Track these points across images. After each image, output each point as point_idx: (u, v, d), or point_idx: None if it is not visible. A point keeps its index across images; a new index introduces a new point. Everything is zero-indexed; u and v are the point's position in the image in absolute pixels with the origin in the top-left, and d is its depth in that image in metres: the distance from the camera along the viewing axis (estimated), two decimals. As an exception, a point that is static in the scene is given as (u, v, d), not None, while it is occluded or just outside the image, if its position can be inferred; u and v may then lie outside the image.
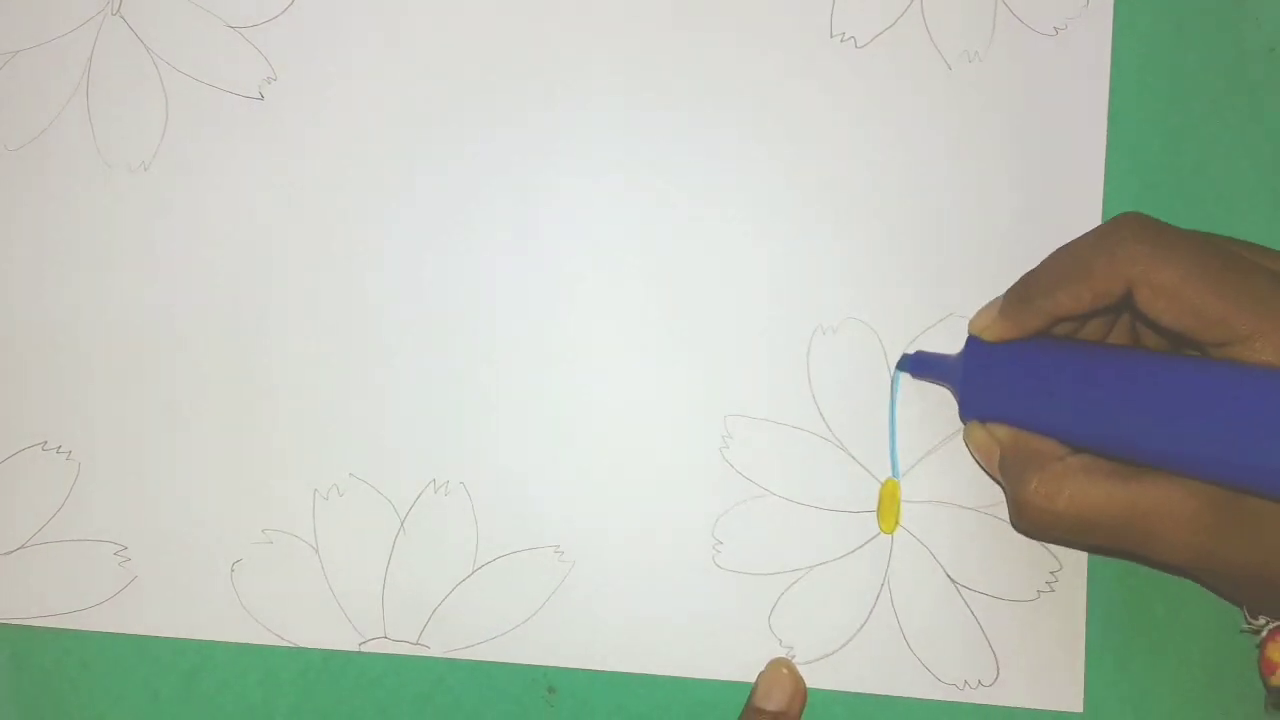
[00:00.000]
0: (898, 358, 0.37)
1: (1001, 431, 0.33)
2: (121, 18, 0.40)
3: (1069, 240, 0.32)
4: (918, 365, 0.36)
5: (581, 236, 0.38)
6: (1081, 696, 0.36)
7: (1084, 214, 0.37)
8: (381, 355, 0.38)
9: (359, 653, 0.37)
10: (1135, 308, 0.30)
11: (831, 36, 0.39)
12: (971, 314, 0.37)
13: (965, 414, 0.34)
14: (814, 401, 0.37)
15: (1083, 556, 0.36)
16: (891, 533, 0.36)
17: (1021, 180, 0.37)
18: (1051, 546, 0.36)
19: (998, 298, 0.33)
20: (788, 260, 0.38)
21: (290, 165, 0.39)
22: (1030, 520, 0.31)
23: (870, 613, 0.36)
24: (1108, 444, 0.30)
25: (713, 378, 0.37)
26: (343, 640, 0.37)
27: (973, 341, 0.34)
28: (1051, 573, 0.36)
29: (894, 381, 0.37)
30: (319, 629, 0.37)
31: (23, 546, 0.38)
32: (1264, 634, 0.32)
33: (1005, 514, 0.36)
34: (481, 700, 0.37)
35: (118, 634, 0.38)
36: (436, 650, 0.37)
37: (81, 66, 0.40)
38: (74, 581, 0.38)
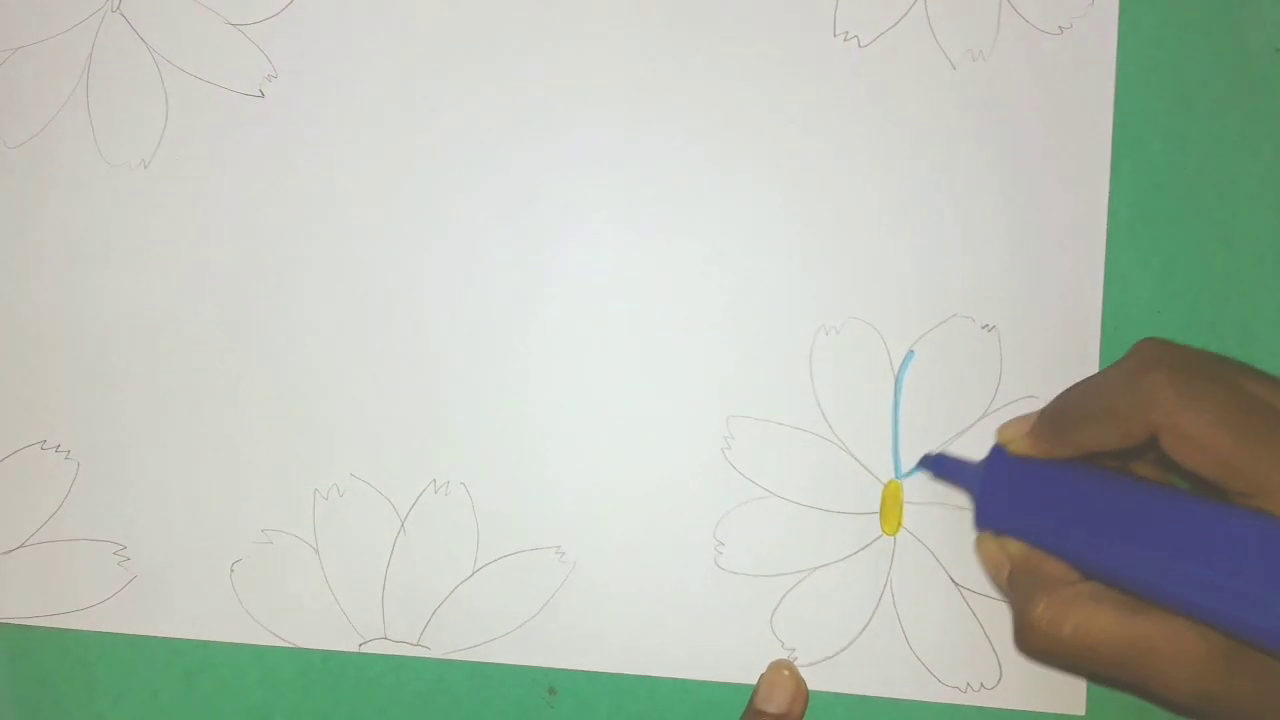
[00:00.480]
0: (910, 461, 0.36)
1: (1014, 547, 0.33)
2: (122, 15, 0.40)
3: (1098, 372, 0.32)
4: (939, 466, 0.36)
5: (583, 237, 0.38)
6: (1083, 700, 0.35)
7: (1089, 213, 0.37)
8: (382, 355, 0.38)
9: (359, 653, 0.37)
10: (1163, 453, 0.29)
11: (835, 36, 0.38)
12: (974, 314, 0.37)
13: (980, 524, 0.34)
14: (816, 402, 0.37)
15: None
16: (894, 534, 0.36)
17: (1026, 180, 0.37)
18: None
19: (1031, 413, 0.33)
20: (790, 260, 0.38)
21: (291, 163, 0.39)
22: (1033, 644, 0.31)
23: (872, 615, 0.36)
24: (1121, 576, 0.30)
25: (715, 378, 0.37)
26: (343, 641, 0.37)
27: (997, 451, 0.34)
28: (1054, 575, 0.36)
29: (898, 386, 0.37)
30: (319, 629, 0.37)
31: (22, 546, 0.38)
32: None
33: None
34: (482, 701, 0.37)
35: (117, 633, 0.38)
36: (437, 651, 0.37)
37: (82, 64, 0.40)
38: (73, 581, 0.38)
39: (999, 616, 0.36)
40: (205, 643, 0.38)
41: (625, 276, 0.38)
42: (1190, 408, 0.29)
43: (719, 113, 0.38)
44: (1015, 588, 0.32)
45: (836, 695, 0.36)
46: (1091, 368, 0.36)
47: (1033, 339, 0.36)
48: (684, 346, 0.38)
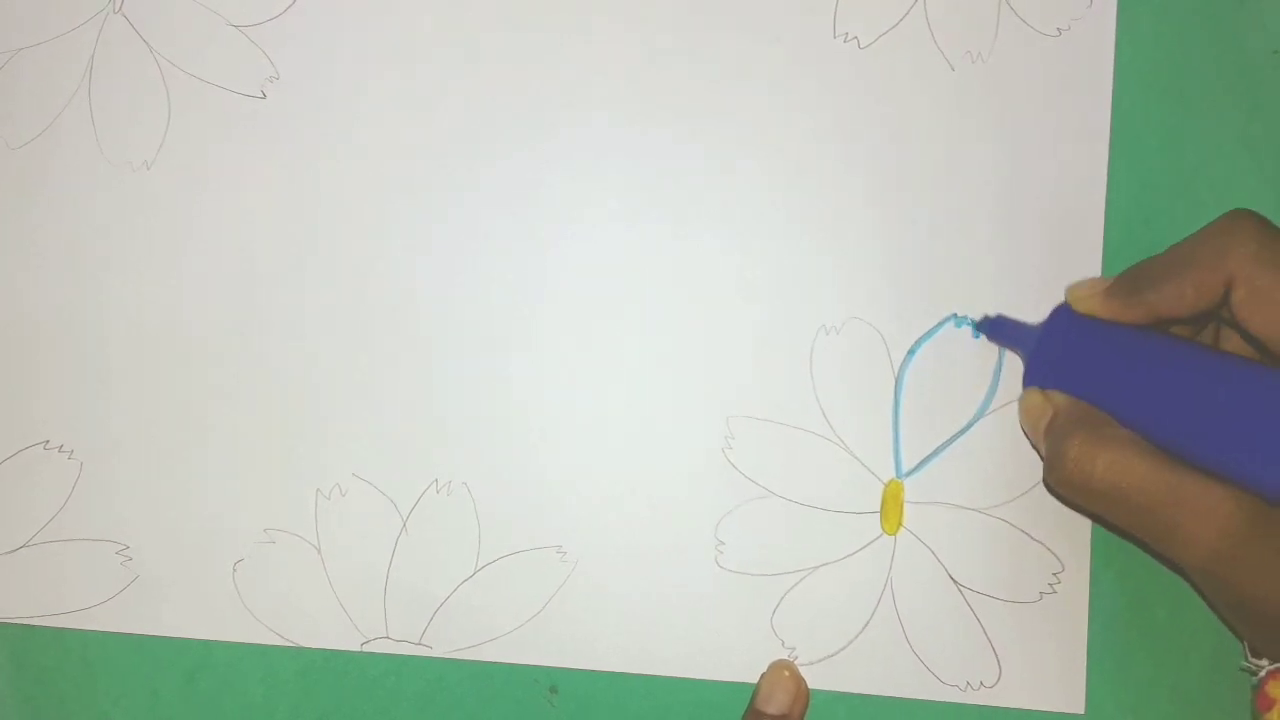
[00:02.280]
0: (979, 320, 0.37)
1: (1060, 397, 0.33)
2: (124, 16, 0.40)
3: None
4: (995, 328, 0.36)
5: (585, 238, 0.38)
6: (1083, 698, 0.36)
7: (1087, 214, 0.37)
8: (384, 355, 0.38)
9: (361, 652, 0.37)
10: (1230, 308, 0.29)
11: (835, 37, 0.39)
12: (975, 314, 0.37)
13: (1029, 380, 0.34)
14: (817, 402, 0.37)
15: (1085, 559, 0.36)
16: (894, 534, 0.36)
17: (1024, 181, 0.37)
18: (1053, 547, 0.36)
19: (1106, 277, 0.33)
20: (791, 260, 0.38)
21: (293, 164, 0.39)
22: (1065, 473, 0.31)
23: (873, 614, 0.36)
24: (1165, 436, 0.30)
25: (715, 378, 0.37)
26: (344, 640, 0.37)
27: (1061, 312, 0.34)
28: (1054, 574, 0.36)
29: (898, 386, 0.37)
30: (321, 628, 0.37)
31: (25, 546, 0.38)
32: (1263, 674, 0.31)
33: (1008, 516, 0.36)
34: (483, 700, 0.37)
35: (119, 633, 0.38)
36: (438, 650, 0.37)
37: (84, 65, 0.40)
38: (76, 581, 0.38)
39: (999, 615, 0.36)
40: (207, 642, 0.38)
41: (626, 277, 0.38)
42: (1268, 262, 0.28)
43: (719, 113, 0.38)
44: (1054, 430, 0.32)
45: (837, 694, 0.36)
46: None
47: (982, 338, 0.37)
48: (685, 346, 0.38)
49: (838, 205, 0.38)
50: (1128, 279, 0.32)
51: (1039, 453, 0.35)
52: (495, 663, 0.37)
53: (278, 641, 0.37)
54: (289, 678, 0.37)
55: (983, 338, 0.37)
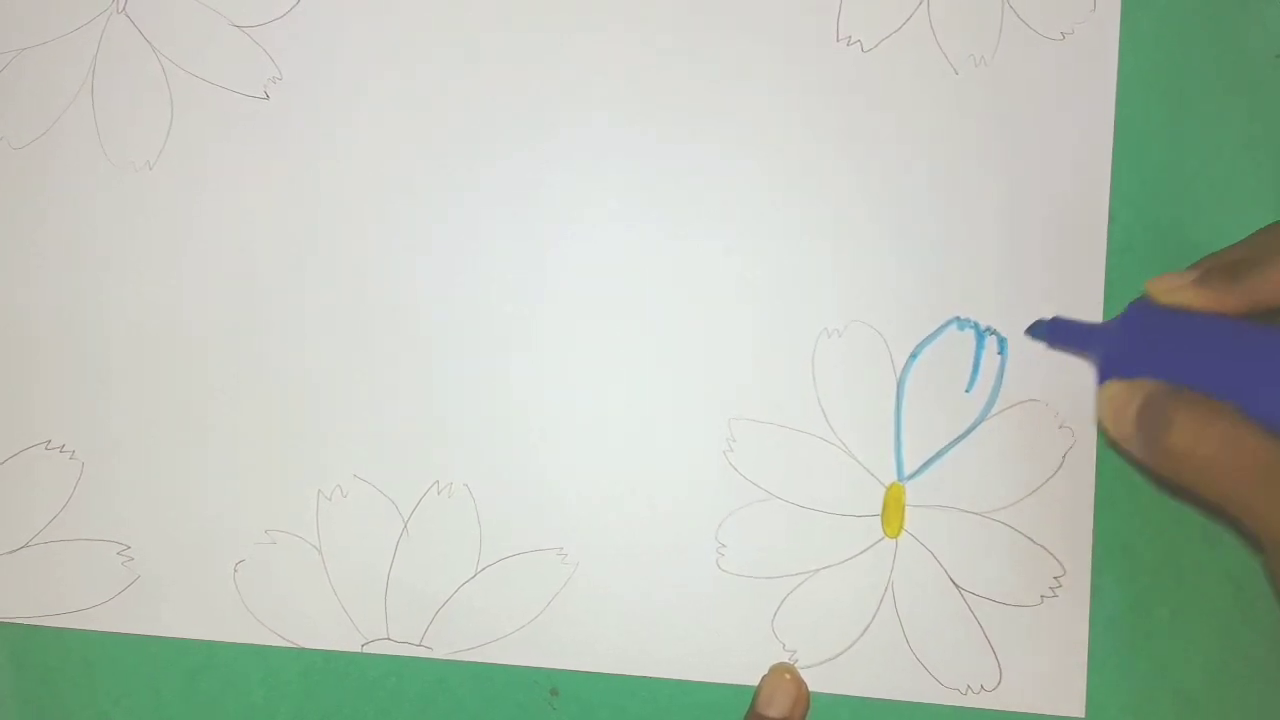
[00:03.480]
0: (1021, 324, 0.36)
1: (1148, 382, 0.31)
2: (126, 16, 0.40)
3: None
4: (1057, 331, 0.35)
5: (585, 239, 0.38)
6: (1083, 702, 0.36)
7: (1090, 217, 0.37)
8: (386, 356, 0.38)
9: (361, 653, 0.37)
10: None
11: (838, 40, 0.39)
12: (978, 316, 0.37)
13: (1106, 376, 0.33)
14: (818, 405, 0.37)
15: (1086, 563, 0.36)
16: (896, 537, 0.36)
17: (1027, 184, 0.37)
18: (1054, 550, 0.36)
19: (1185, 270, 0.32)
20: (793, 263, 0.38)
21: (295, 164, 0.39)
22: (1169, 448, 0.29)
23: (873, 617, 0.36)
24: (1266, 421, 0.29)
25: (717, 381, 0.37)
26: (345, 641, 0.37)
27: (1140, 306, 0.33)
28: (1055, 578, 0.36)
29: (900, 389, 0.37)
30: (322, 629, 0.37)
31: (26, 546, 0.38)
32: None
33: (1010, 519, 0.36)
34: (484, 702, 0.37)
35: (120, 634, 0.38)
36: (439, 651, 0.37)
37: (87, 65, 0.40)
38: (77, 581, 0.38)
39: (1000, 619, 0.36)
40: (208, 643, 0.38)
41: (627, 278, 0.38)
42: None
43: (721, 115, 0.38)
44: (1147, 414, 0.30)
45: (837, 697, 0.36)
46: (1092, 371, 0.36)
47: (1035, 342, 0.37)
48: (686, 349, 0.38)
49: (840, 208, 0.38)
50: (1224, 268, 0.31)
51: (1117, 448, 0.34)
52: (496, 664, 0.37)
53: (278, 642, 0.37)
54: (290, 679, 0.37)
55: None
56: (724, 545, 0.37)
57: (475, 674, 0.37)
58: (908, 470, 0.37)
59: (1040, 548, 0.36)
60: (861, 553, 0.36)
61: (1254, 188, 0.37)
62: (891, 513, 0.36)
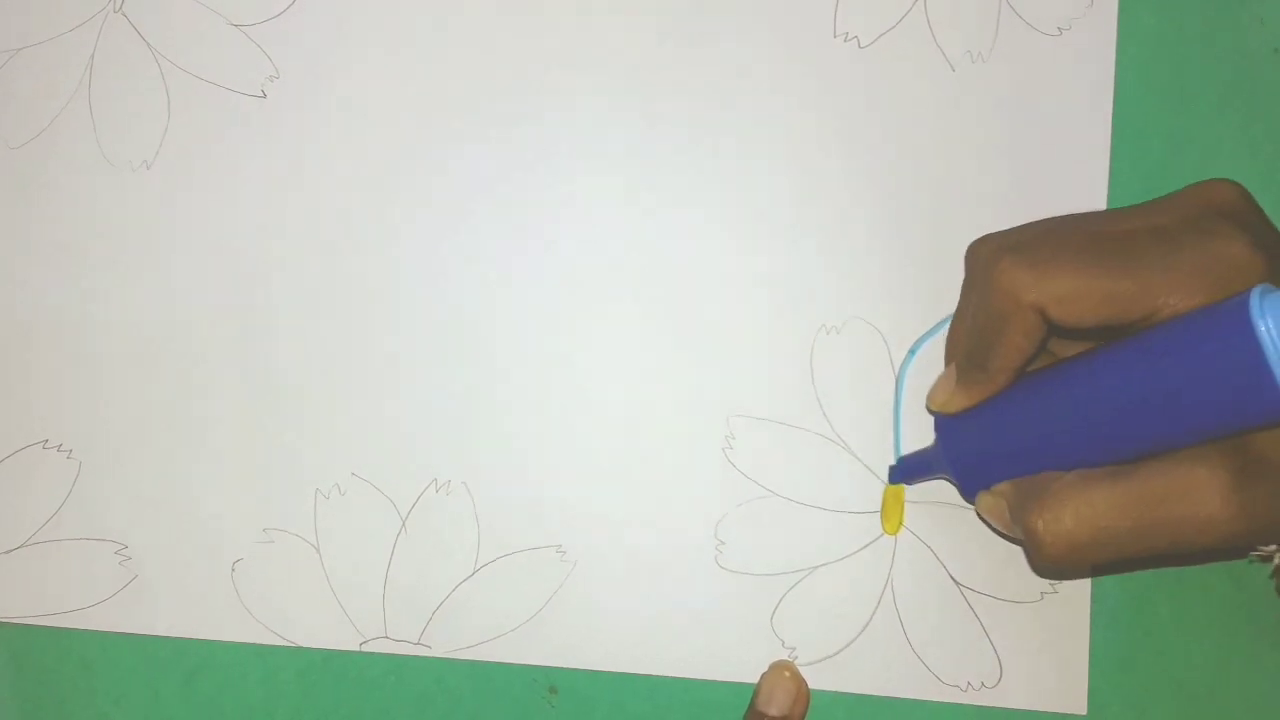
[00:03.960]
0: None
1: (1003, 486, 0.32)
2: (124, 15, 0.40)
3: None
4: (907, 472, 0.36)
5: (584, 237, 0.38)
6: (1084, 698, 0.35)
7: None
8: (384, 354, 0.38)
9: (360, 652, 0.37)
10: (1055, 325, 0.30)
11: (835, 37, 0.39)
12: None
13: (967, 492, 0.34)
14: (817, 402, 0.37)
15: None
16: (895, 534, 0.36)
17: (1025, 180, 0.37)
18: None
19: (945, 372, 0.33)
20: (791, 260, 0.38)
21: (293, 163, 0.39)
22: (1046, 553, 0.30)
23: (873, 614, 0.36)
24: (1098, 454, 0.30)
25: (716, 378, 0.37)
26: (344, 640, 0.37)
27: (941, 423, 0.34)
28: (1055, 574, 0.36)
29: (899, 385, 0.37)
30: (320, 628, 0.37)
31: (23, 545, 0.38)
32: (1277, 560, 0.31)
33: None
34: (482, 700, 0.37)
35: (118, 633, 0.38)
36: (438, 650, 0.37)
37: (84, 64, 0.40)
38: (75, 580, 0.38)
39: (1000, 615, 0.36)
40: (206, 642, 0.38)
41: (627, 276, 0.38)
42: (1049, 271, 0.29)
43: (719, 113, 0.38)
44: (1014, 516, 0.31)
45: (837, 694, 0.36)
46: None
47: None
48: (685, 346, 0.38)
49: (838, 205, 0.38)
50: (967, 362, 0.32)
51: (1018, 544, 0.35)
52: (495, 663, 0.37)
53: (277, 642, 0.37)
54: (288, 678, 0.37)
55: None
56: (723, 542, 0.37)
57: (474, 672, 0.37)
58: (907, 466, 0.37)
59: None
60: (861, 550, 0.36)
61: (1252, 184, 0.37)
62: (891, 510, 0.36)
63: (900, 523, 0.36)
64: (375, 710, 0.37)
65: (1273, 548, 0.31)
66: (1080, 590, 0.36)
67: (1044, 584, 0.36)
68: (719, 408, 0.37)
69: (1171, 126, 0.38)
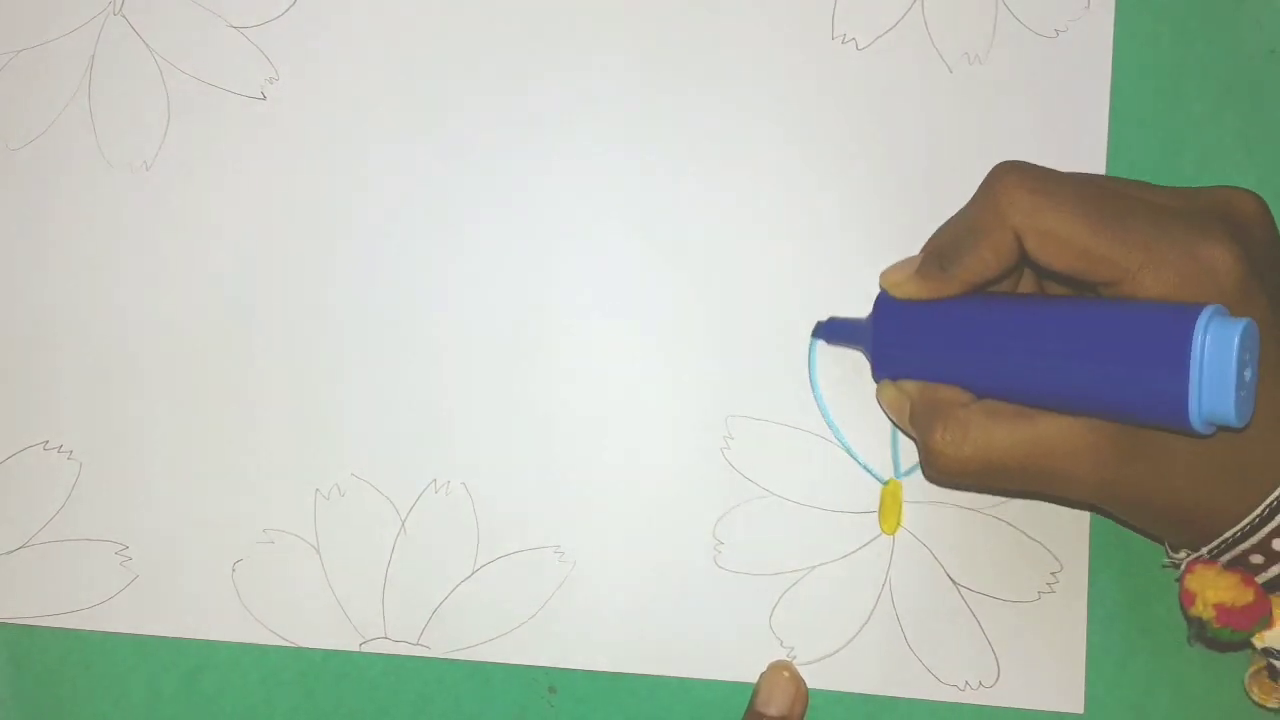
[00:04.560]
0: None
1: (910, 386, 0.34)
2: (123, 17, 0.41)
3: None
4: (832, 332, 0.37)
5: (584, 238, 0.38)
6: (1082, 697, 0.36)
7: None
8: (383, 355, 0.38)
9: (359, 653, 0.37)
10: (1028, 258, 0.31)
11: (833, 38, 0.39)
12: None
13: (878, 373, 0.35)
14: (815, 402, 0.37)
15: (1083, 557, 0.36)
16: (893, 533, 0.36)
17: (1023, 182, 0.37)
18: (1052, 546, 0.36)
19: (911, 257, 0.34)
20: (789, 260, 0.38)
21: (292, 165, 0.39)
22: (939, 468, 0.32)
23: (871, 613, 0.36)
24: (1011, 389, 0.31)
25: (714, 378, 0.37)
26: (343, 640, 0.37)
27: (882, 300, 0.34)
28: (1052, 573, 0.36)
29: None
30: (320, 629, 0.37)
31: (24, 546, 0.38)
32: (1183, 566, 0.32)
33: (1007, 515, 0.36)
34: (482, 700, 0.37)
35: (119, 634, 0.38)
36: (437, 650, 0.37)
37: (83, 66, 0.40)
38: (75, 581, 0.38)
39: (998, 615, 0.36)
40: (207, 642, 0.38)
41: (625, 276, 0.38)
42: (1046, 205, 0.30)
43: (717, 113, 0.39)
44: (916, 422, 0.33)
45: (835, 694, 0.36)
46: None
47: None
48: (684, 346, 0.38)
49: (835, 205, 0.38)
50: (932, 257, 0.33)
51: (910, 438, 0.36)
52: (494, 663, 0.37)
53: (277, 642, 0.37)
54: (288, 678, 0.37)
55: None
56: (722, 542, 0.37)
57: (473, 673, 0.37)
58: (905, 467, 0.37)
59: (1037, 543, 0.36)
60: (859, 549, 0.37)
61: (1250, 184, 0.37)
62: (889, 509, 0.36)
63: (898, 522, 0.36)
64: (375, 710, 0.37)
65: (1181, 554, 0.32)
66: (1077, 590, 0.36)
67: (1041, 583, 0.36)
68: (717, 408, 0.37)
69: (1168, 128, 0.38)
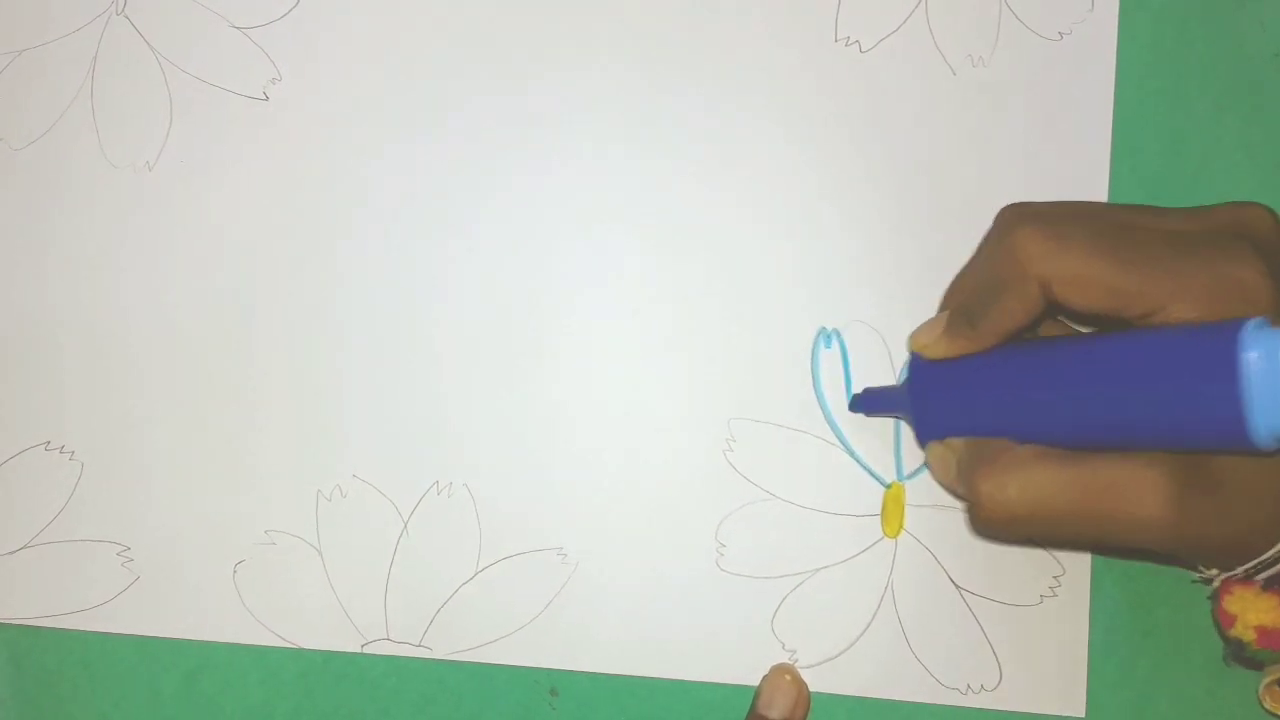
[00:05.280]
0: (854, 394, 0.37)
1: (957, 442, 0.32)
2: (126, 17, 0.41)
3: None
4: (869, 403, 0.36)
5: (585, 239, 0.38)
6: (1084, 701, 0.36)
7: (1088, 219, 0.37)
8: (386, 356, 0.38)
9: (361, 654, 0.37)
10: (1056, 302, 0.30)
11: (836, 41, 0.39)
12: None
13: (921, 438, 0.34)
14: (818, 405, 0.37)
15: (1085, 560, 0.36)
16: (895, 537, 0.36)
17: (1025, 184, 0.37)
18: (1055, 552, 0.36)
19: (938, 317, 0.33)
20: (792, 263, 0.38)
21: (294, 166, 0.39)
22: (985, 517, 0.30)
23: (873, 617, 0.36)
24: (1059, 434, 0.30)
25: (717, 381, 0.37)
26: (345, 641, 0.37)
27: (915, 364, 0.34)
28: (1055, 577, 0.36)
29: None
30: (321, 630, 0.37)
31: (25, 546, 0.38)
32: (1216, 584, 0.31)
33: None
34: (483, 702, 0.37)
35: (120, 634, 0.38)
36: (439, 652, 0.37)
37: (86, 66, 0.40)
38: (76, 582, 0.38)
39: (1000, 618, 0.36)
40: (208, 643, 0.38)
41: (627, 279, 0.38)
42: (1063, 249, 0.29)
43: (720, 116, 0.39)
44: (961, 474, 0.32)
45: (837, 697, 0.36)
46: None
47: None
48: (686, 349, 0.38)
49: (837, 208, 0.38)
50: (959, 315, 0.32)
51: (958, 498, 0.35)
52: (496, 665, 0.37)
53: (278, 643, 0.37)
54: (289, 679, 0.37)
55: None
56: (724, 545, 0.37)
57: (475, 674, 0.37)
58: (907, 470, 0.37)
59: (1039, 548, 0.36)
60: (861, 552, 0.36)
61: (1253, 188, 0.37)
62: (891, 512, 0.36)
63: (900, 526, 0.36)
64: (376, 712, 0.37)
65: (1213, 571, 0.31)
66: (1079, 593, 0.36)
67: (1044, 587, 0.36)
68: (719, 410, 0.37)
69: (1172, 131, 0.38)
